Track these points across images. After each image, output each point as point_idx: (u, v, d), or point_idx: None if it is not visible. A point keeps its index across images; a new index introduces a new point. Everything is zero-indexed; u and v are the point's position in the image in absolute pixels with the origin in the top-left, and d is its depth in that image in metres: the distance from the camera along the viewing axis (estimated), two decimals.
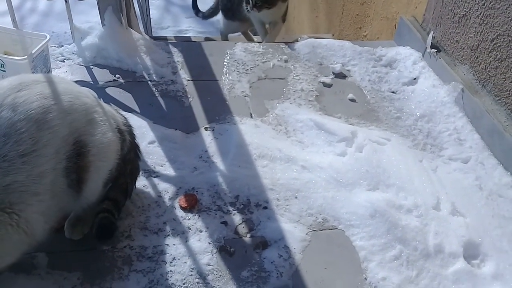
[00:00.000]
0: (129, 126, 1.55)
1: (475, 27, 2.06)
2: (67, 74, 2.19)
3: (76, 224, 1.50)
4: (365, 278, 1.50)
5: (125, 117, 1.56)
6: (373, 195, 1.70)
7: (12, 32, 2.05)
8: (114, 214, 1.47)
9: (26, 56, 1.88)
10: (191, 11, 5.59)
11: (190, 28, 6.50)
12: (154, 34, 4.62)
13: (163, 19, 6.25)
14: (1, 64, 1.90)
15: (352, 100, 2.23)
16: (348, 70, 2.42)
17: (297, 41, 2.83)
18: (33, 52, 1.91)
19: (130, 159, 1.53)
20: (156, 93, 2.17)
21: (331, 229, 1.64)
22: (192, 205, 1.65)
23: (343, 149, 1.88)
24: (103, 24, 2.31)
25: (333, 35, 3.76)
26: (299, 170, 1.81)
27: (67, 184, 1.25)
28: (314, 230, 1.63)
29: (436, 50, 2.34)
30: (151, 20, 4.35)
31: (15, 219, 1.14)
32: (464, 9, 2.13)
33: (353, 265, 1.54)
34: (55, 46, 2.33)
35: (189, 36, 4.51)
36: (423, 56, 2.42)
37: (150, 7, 4.31)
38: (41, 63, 1.98)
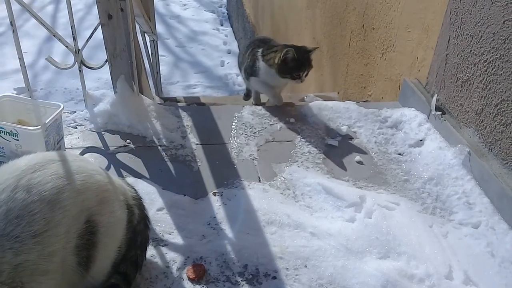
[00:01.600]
0: (139, 199, 1.58)
1: (479, 92, 2.10)
2: (79, 140, 2.24)
3: None
4: None
5: (134, 189, 1.58)
6: (384, 264, 1.68)
7: (26, 102, 2.12)
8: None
9: (39, 126, 1.94)
10: (200, 66, 5.71)
11: (199, 83, 6.68)
12: (163, 89, 4.75)
13: (173, 75, 6.45)
14: (15, 133, 1.95)
15: (359, 163, 2.25)
16: (355, 132, 2.46)
17: (304, 100, 2.89)
18: (46, 122, 1.96)
19: (140, 230, 1.54)
20: (165, 158, 2.20)
21: None
22: (200, 276, 1.63)
23: (352, 214, 1.88)
24: (115, 92, 2.39)
25: (338, 93, 3.83)
26: (308, 237, 1.80)
27: (76, 262, 1.26)
28: None
29: (441, 112, 2.37)
30: (161, 76, 4.49)
31: None
32: (467, 74, 2.18)
33: None
34: (68, 113, 2.40)
35: (198, 97, 4.62)
36: (428, 118, 2.45)
37: (160, 64, 4.45)
38: (54, 131, 2.04)
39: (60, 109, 2.06)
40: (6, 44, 6.19)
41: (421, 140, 2.35)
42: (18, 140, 1.96)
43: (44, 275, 1.18)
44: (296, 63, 2.50)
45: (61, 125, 2.12)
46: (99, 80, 5.31)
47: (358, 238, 1.78)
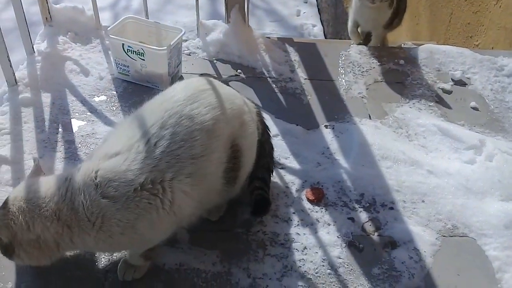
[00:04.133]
0: (260, 113, 1.64)
1: None
2: (193, 67, 2.31)
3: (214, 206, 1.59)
4: None
5: (253, 102, 1.65)
6: (507, 206, 1.65)
7: (150, 25, 2.20)
8: (266, 190, 1.57)
9: (165, 47, 2.01)
10: (275, 15, 5.55)
11: (274, 31, 6.60)
12: None
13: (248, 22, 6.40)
14: (142, 53, 2.04)
15: (475, 109, 2.17)
16: (468, 78, 2.36)
17: (400, 48, 2.79)
18: (171, 43, 2.03)
19: (265, 140, 1.61)
20: (275, 89, 2.23)
21: (462, 236, 1.61)
22: (319, 199, 1.69)
23: (471, 156, 1.84)
24: (228, 21, 2.41)
25: (436, 44, 3.66)
26: (425, 174, 1.79)
27: (223, 183, 1.37)
28: (443, 236, 1.60)
29: None
30: None
31: (168, 205, 1.24)
32: None
33: (487, 274, 1.50)
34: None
35: (291, 38, 4.54)
36: None
37: None
38: (175, 54, 2.11)
39: (182, 33, 2.12)
40: None
41: None
42: (144, 59, 2.06)
43: (191, 193, 1.27)
44: None
45: (181, 50, 2.20)
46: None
47: (478, 179, 1.75)
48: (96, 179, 1.21)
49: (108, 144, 1.30)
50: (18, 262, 1.29)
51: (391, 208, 1.68)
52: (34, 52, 2.19)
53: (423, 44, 2.62)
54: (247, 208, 1.62)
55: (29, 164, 1.73)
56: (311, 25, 6.50)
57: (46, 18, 2.34)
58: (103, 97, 2.08)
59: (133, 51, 2.05)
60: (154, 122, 1.26)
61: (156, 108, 1.31)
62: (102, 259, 1.45)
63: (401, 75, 2.36)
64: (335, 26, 5.45)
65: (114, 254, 1.45)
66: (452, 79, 2.34)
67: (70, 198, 1.21)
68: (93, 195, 1.20)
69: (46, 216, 1.20)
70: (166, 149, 1.23)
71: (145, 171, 1.21)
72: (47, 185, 1.25)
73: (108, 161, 1.24)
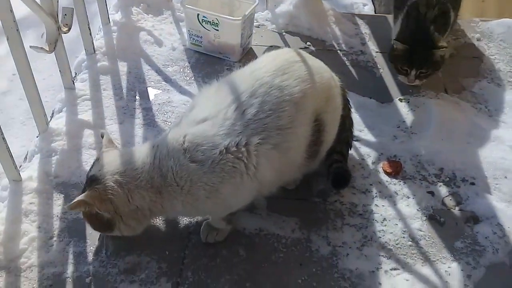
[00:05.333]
0: (342, 86, 1.60)
1: None
2: (262, 39, 2.31)
3: None
4: None
5: (337, 77, 1.61)
6: None
7: None
8: (344, 164, 1.56)
9: (240, 17, 2.01)
10: None
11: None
12: None
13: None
14: (216, 23, 2.06)
15: None
16: None
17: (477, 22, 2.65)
18: (246, 13, 2.03)
19: (346, 115, 1.59)
20: (346, 62, 2.20)
21: None
22: (397, 172, 1.66)
23: None
24: None
25: None
26: (507, 150, 1.72)
27: (305, 157, 1.36)
28: None
29: None
30: None
31: (252, 171, 1.25)
32: None
33: None
34: None
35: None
36: None
37: None
38: (248, 25, 2.11)
39: (256, 3, 2.11)
40: None
41: None
42: (217, 30, 2.07)
43: (274, 163, 1.28)
44: (408, 55, 1.85)
45: (253, 20, 2.19)
46: None
47: None
48: (184, 144, 1.23)
49: (196, 111, 1.32)
50: (116, 234, 1.31)
51: (472, 184, 1.63)
52: (110, 22, 2.24)
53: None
54: (322, 179, 1.62)
55: (110, 129, 1.79)
56: (361, 4, 6.30)
57: None
58: (176, 67, 2.11)
59: (208, 21, 2.06)
60: (244, 90, 1.27)
61: (247, 77, 1.32)
62: (185, 220, 1.50)
63: (477, 50, 2.27)
64: (387, 6, 5.26)
65: (197, 218, 1.49)
66: None
67: (159, 165, 1.24)
68: (181, 159, 1.22)
69: (142, 186, 1.23)
70: (254, 117, 1.24)
71: (231, 135, 1.23)
72: (137, 155, 1.28)
73: (196, 127, 1.26)
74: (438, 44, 1.83)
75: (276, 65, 1.33)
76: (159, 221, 1.49)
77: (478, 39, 2.33)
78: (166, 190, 1.24)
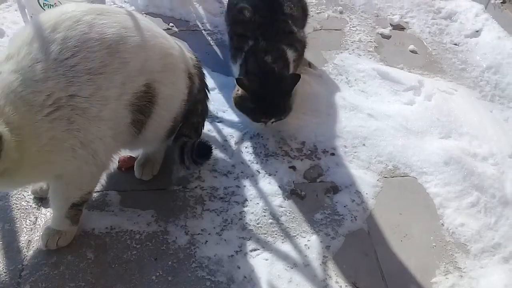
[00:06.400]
0: (200, 67, 1.50)
1: None
2: None
3: (145, 165, 1.48)
4: (442, 224, 1.46)
5: (196, 56, 1.51)
6: (446, 143, 1.64)
7: None
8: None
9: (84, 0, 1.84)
10: None
11: None
12: None
13: None
14: (59, 3, 1.86)
15: (413, 52, 2.15)
16: (407, 22, 2.33)
17: None
18: None
19: (200, 99, 1.50)
20: (211, 42, 2.12)
21: (403, 176, 1.59)
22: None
23: (411, 97, 1.82)
24: None
25: None
26: (365, 118, 1.75)
27: (130, 120, 1.20)
28: (385, 177, 1.58)
29: (501, 1, 2.23)
30: None
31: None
32: None
33: (429, 211, 1.50)
34: None
35: None
36: (485, 8, 2.31)
37: None
38: None
39: None
40: None
41: (477, 31, 2.23)
42: None
43: (95, 119, 1.12)
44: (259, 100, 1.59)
45: (104, 1, 2.01)
46: None
47: (418, 119, 1.73)
48: None
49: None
50: None
51: (333, 154, 1.64)
52: None
53: None
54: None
55: None
56: None
57: None
58: None
59: (50, 5, 1.86)
60: (47, 23, 1.09)
61: (53, 13, 1.13)
62: (24, 227, 1.33)
63: (340, 22, 2.30)
64: None
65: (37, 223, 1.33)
66: (390, 24, 2.31)
67: None
68: None
69: None
70: (58, 56, 1.06)
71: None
72: None
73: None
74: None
75: (94, 7, 1.17)
76: None
77: (341, 12, 2.37)
78: None
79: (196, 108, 1.48)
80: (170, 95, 1.30)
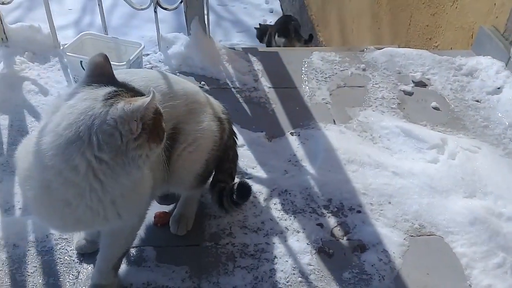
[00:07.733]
0: (227, 114, 1.60)
1: None
2: None
3: (180, 220, 1.56)
4: (470, 285, 1.47)
5: (223, 106, 1.61)
6: (471, 203, 1.68)
7: (109, 40, 2.17)
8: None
9: (125, 62, 1.98)
10: (242, 25, 5.50)
11: (242, 42, 6.59)
12: None
13: (215, 34, 6.38)
14: None
15: (436, 108, 2.22)
16: (428, 79, 2.41)
17: (362, 52, 2.82)
18: (131, 58, 2.01)
19: (230, 145, 1.59)
20: (240, 99, 2.23)
21: (429, 235, 1.62)
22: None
23: (435, 156, 1.87)
24: (188, 33, 2.40)
25: (398, 47, 3.74)
26: (390, 176, 1.81)
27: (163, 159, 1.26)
28: (411, 236, 1.61)
29: None
30: None
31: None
32: None
33: (456, 271, 1.51)
34: (143, 55, 2.44)
35: (256, 47, 4.55)
36: (506, 66, 2.38)
37: None
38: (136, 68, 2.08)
39: (142, 47, 2.10)
40: None
41: (499, 88, 2.29)
42: None
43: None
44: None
45: (141, 64, 2.17)
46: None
47: (442, 178, 1.78)
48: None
49: None
50: None
51: (359, 212, 1.69)
52: None
53: (383, 48, 2.66)
54: (214, 221, 1.62)
55: None
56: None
57: (2, 39, 2.28)
58: None
59: None
60: None
61: None
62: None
63: (363, 79, 2.40)
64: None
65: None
66: (412, 81, 2.39)
67: None
68: None
69: None
70: None
71: None
72: None
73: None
74: None
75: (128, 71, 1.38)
76: None
77: (364, 69, 2.46)
78: None
79: (227, 154, 1.58)
80: (195, 131, 1.39)
